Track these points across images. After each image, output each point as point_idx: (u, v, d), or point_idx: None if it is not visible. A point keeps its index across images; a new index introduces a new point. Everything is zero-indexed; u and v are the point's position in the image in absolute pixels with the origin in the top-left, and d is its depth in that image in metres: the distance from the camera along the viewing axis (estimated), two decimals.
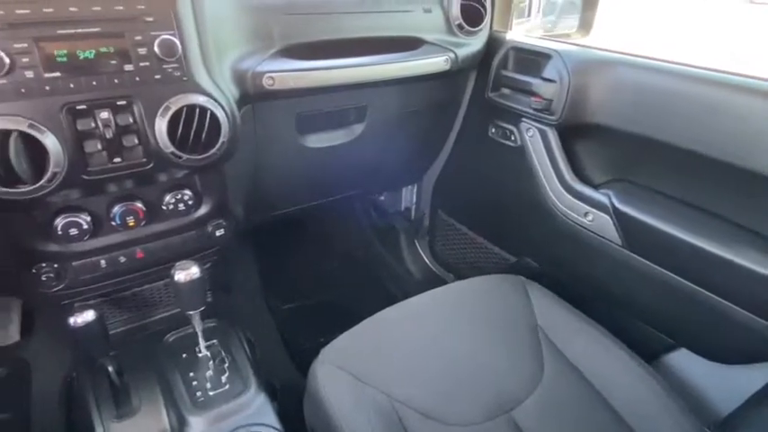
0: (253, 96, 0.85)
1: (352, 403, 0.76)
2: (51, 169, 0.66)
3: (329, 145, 1.09)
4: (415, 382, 0.81)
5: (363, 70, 0.97)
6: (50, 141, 0.65)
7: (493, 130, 1.18)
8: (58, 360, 1.12)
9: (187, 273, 0.84)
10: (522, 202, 1.12)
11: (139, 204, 0.83)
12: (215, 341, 0.94)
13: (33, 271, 0.82)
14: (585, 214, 0.98)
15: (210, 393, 0.85)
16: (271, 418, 0.84)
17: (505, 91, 1.14)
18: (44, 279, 0.82)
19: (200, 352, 0.92)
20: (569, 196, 1.00)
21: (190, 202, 0.87)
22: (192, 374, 0.88)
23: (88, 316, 0.85)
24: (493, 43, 1.15)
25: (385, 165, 1.32)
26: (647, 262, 0.91)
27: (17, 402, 1.14)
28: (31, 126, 0.64)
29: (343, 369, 0.81)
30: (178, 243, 0.93)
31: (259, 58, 0.85)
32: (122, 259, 0.88)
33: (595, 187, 0.99)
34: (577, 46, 1.03)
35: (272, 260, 1.62)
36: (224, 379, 0.88)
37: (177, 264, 0.85)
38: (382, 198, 1.74)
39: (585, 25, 1.27)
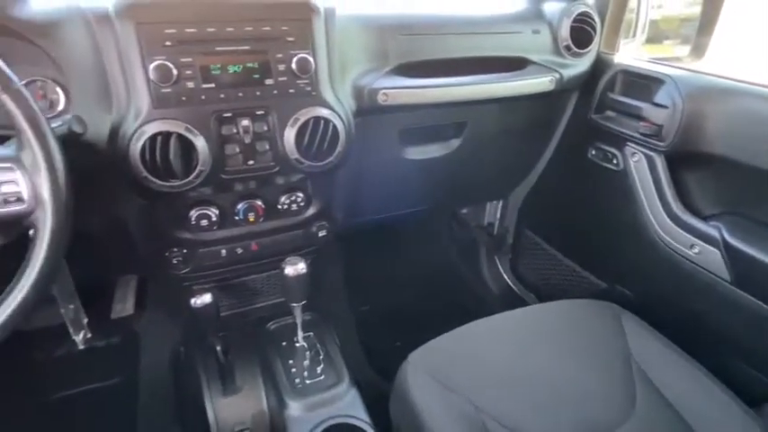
0: (366, 110, 0.92)
1: (441, 408, 0.79)
2: (199, 167, 0.76)
3: (426, 157, 1.14)
4: (502, 397, 0.82)
5: (470, 89, 1.00)
6: (201, 143, 0.75)
7: (593, 152, 1.16)
8: (167, 334, 1.25)
9: (295, 267, 0.92)
10: (619, 227, 1.10)
11: (259, 202, 0.92)
12: (311, 333, 1.01)
13: (166, 254, 0.93)
14: (691, 246, 0.95)
15: (307, 382, 0.92)
16: (361, 412, 0.90)
17: (610, 113, 1.12)
18: (175, 262, 0.94)
19: (297, 342, 0.99)
20: (674, 226, 0.97)
21: (302, 204, 0.96)
22: (291, 362, 0.96)
23: (206, 298, 0.95)
24: (599, 65, 1.14)
25: (475, 179, 1.34)
26: (759, 302, 0.86)
27: (128, 369, 1.28)
28: (187, 129, 0.74)
29: (432, 375, 0.84)
30: (286, 240, 1.01)
31: (375, 76, 0.91)
32: (239, 250, 0.98)
33: (704, 219, 0.95)
34: (692, 71, 0.99)
35: (354, 262, 1.69)
36: (319, 370, 0.94)
37: (287, 259, 0.93)
38: (464, 211, 1.76)
39: (699, 50, 1.22)
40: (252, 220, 0.92)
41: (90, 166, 0.70)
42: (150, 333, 1.32)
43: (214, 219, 0.89)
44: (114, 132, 0.72)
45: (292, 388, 0.91)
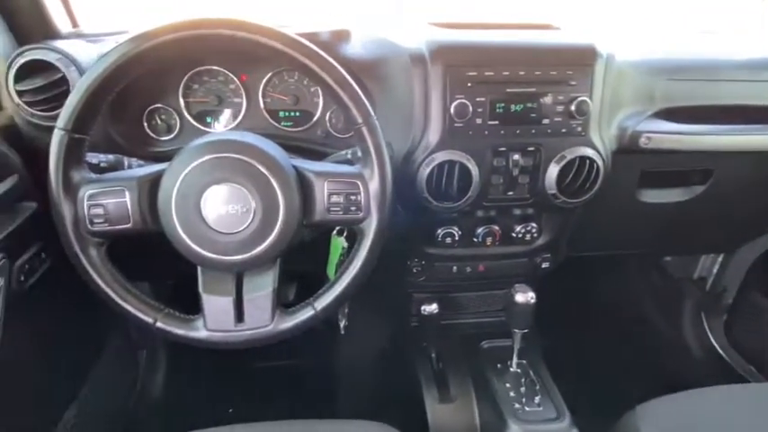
0: (623, 151, 0.92)
1: None
2: (470, 193, 0.84)
3: (661, 201, 1.09)
4: None
5: (737, 139, 0.94)
6: (475, 172, 0.83)
7: None
8: (372, 330, 1.38)
9: (525, 295, 0.95)
10: None
11: (497, 228, 0.98)
12: (524, 361, 1.04)
13: (408, 263, 1.04)
14: None
15: (526, 408, 0.94)
16: None
17: None
18: (414, 271, 1.04)
19: (511, 367, 1.03)
20: None
21: (535, 234, 0.99)
22: (507, 385, 1.00)
23: (434, 307, 1.04)
24: None
25: (704, 229, 1.24)
26: None
27: (326, 354, 1.43)
28: (467, 159, 0.82)
29: None
30: (510, 266, 1.06)
31: (639, 118, 0.91)
32: (468, 269, 1.05)
33: None
34: None
35: (544, 293, 1.66)
36: (537, 400, 0.96)
37: (517, 285, 0.97)
38: (668, 259, 1.63)
39: None
40: (489, 244, 0.98)
41: None
42: (355, 326, 1.46)
43: (456, 237, 0.97)
44: (406, 158, 0.84)
45: (512, 410, 0.94)
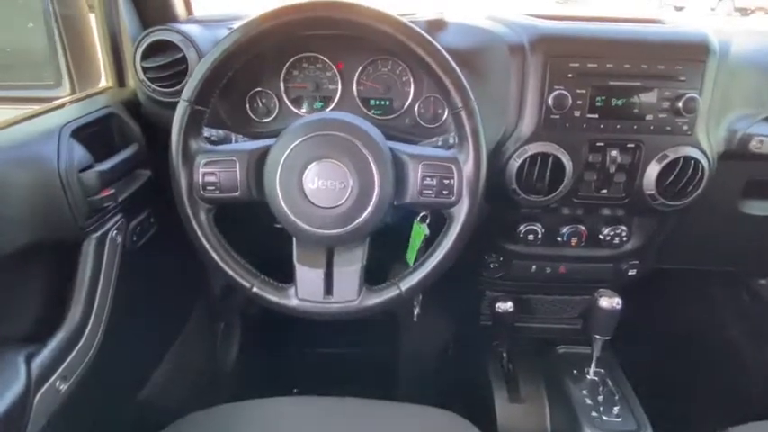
0: (731, 155, 0.86)
1: None
2: (561, 188, 0.82)
3: (766, 215, 1.01)
4: None
5: None
6: (569, 167, 0.81)
7: None
8: (437, 323, 1.37)
9: (611, 301, 0.91)
10: None
11: (583, 228, 0.94)
12: (602, 370, 1.00)
13: (485, 257, 1.02)
14: None
15: (604, 418, 0.91)
16: None
17: None
18: (491, 267, 1.03)
19: (589, 374, 0.99)
20: None
21: (624, 238, 0.95)
22: (584, 392, 0.96)
23: (509, 306, 1.02)
24: None
25: None
26: None
27: (387, 343, 1.44)
28: (561, 153, 0.80)
29: None
30: (594, 270, 1.02)
31: (750, 121, 0.85)
32: (548, 269, 1.02)
33: None
34: None
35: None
36: (615, 410, 0.92)
37: (602, 290, 0.94)
38: (764, 282, 1.50)
39: None
40: (574, 244, 0.95)
41: None
42: (423, 317, 1.46)
43: (539, 235, 0.95)
44: (497, 149, 0.83)
45: (588, 418, 0.91)
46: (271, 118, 0.97)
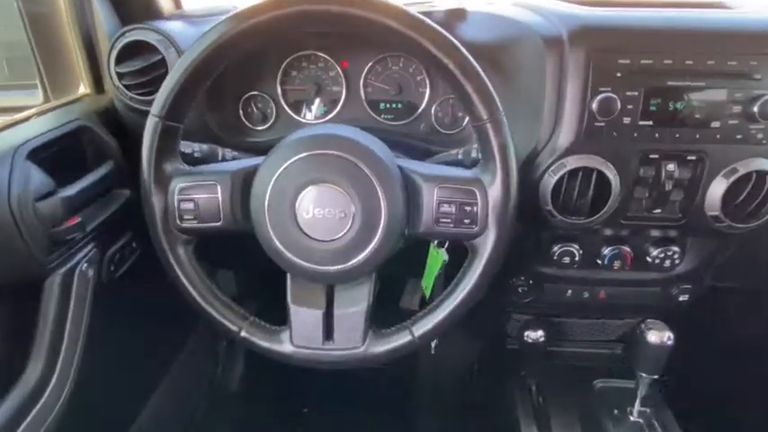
0: None
1: None
2: (605, 209, 0.69)
3: None
4: None
5: None
6: (616, 183, 0.68)
7: None
8: (459, 346, 1.26)
9: (660, 335, 0.79)
10: None
11: (628, 249, 0.81)
12: (647, 410, 0.87)
13: (512, 280, 0.90)
14: None
15: None
16: None
17: None
18: (519, 291, 0.90)
19: (632, 415, 0.86)
20: None
21: (676, 261, 0.81)
22: None
23: (539, 334, 0.90)
24: None
25: None
26: None
27: (407, 368, 1.33)
28: (607, 167, 0.67)
29: None
30: (639, 295, 0.89)
31: None
32: (585, 294, 0.89)
33: None
34: None
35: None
36: None
37: (649, 321, 0.81)
38: None
39: None
40: (616, 268, 0.82)
41: None
42: (442, 340, 1.35)
43: (576, 258, 0.82)
44: (528, 162, 0.70)
45: None
46: (267, 125, 0.85)
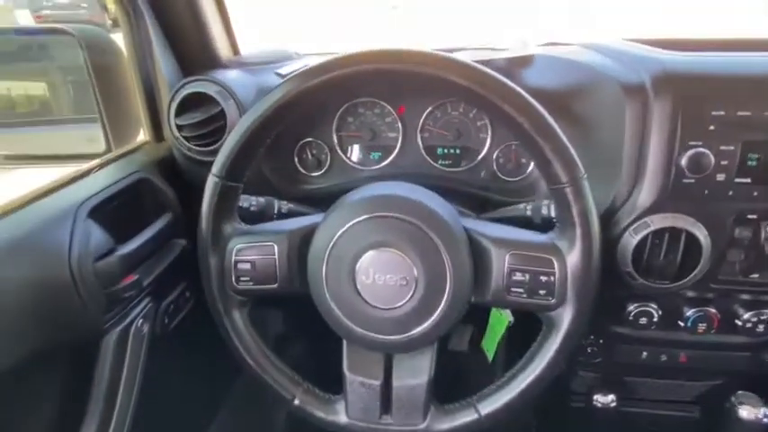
0: None
1: None
2: (695, 272, 0.62)
3: None
4: None
5: None
6: (707, 245, 0.61)
7: None
8: None
9: (755, 411, 0.70)
10: None
11: (714, 311, 0.72)
12: None
13: (582, 340, 0.83)
14: None
15: None
16: None
17: None
18: (588, 350, 0.83)
19: None
20: None
21: None
22: None
23: (610, 400, 0.82)
24: None
25: None
26: None
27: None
28: (697, 227, 0.60)
29: None
30: (726, 360, 0.79)
31: None
32: (663, 357, 0.81)
33: None
34: None
35: None
36: None
37: (740, 393, 0.72)
38: None
39: None
40: (701, 331, 0.74)
41: None
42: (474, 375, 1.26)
43: (655, 319, 0.74)
44: (605, 220, 0.64)
45: None
46: (322, 171, 0.83)
